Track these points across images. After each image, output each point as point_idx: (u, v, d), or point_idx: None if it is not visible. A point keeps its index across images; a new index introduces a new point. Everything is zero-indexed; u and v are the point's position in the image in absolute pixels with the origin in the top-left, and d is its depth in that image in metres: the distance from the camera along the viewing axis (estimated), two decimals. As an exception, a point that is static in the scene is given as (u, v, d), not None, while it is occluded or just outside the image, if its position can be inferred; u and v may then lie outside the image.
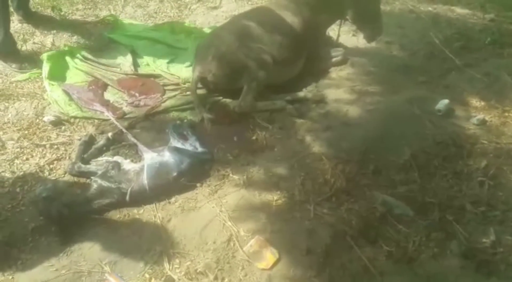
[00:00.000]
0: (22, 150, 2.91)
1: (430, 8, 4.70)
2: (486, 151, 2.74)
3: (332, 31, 3.92)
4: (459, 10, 4.65)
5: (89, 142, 2.89)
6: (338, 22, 3.77)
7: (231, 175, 2.68)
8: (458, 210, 2.33)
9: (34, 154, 2.89)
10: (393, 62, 3.78)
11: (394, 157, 2.69)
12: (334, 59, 3.72)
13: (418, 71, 3.63)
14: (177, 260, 2.21)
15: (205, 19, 4.55)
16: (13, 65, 3.72)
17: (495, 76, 3.49)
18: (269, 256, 2.15)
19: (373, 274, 2.03)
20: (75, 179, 2.72)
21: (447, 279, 1.99)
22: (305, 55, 3.56)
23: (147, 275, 2.15)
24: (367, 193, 2.45)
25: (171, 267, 2.18)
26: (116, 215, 2.48)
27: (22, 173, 2.74)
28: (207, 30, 4.18)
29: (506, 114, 3.10)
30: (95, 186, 2.52)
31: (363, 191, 2.48)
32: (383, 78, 3.55)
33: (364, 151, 2.74)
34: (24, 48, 3.96)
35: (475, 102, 3.24)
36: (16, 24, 4.17)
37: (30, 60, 3.79)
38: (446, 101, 3.11)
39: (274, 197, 2.50)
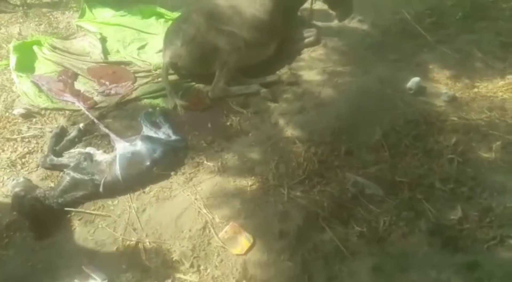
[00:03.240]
0: (-8, 145, 2.86)
1: (402, -16, 4.65)
2: (456, 127, 2.77)
3: (305, 12, 3.87)
4: (432, -15, 4.61)
5: (61, 133, 2.86)
6: (309, 2, 3.73)
7: (205, 162, 2.68)
8: (428, 188, 2.38)
9: (5, 148, 2.86)
10: (365, 40, 3.76)
11: (366, 137, 2.72)
12: (306, 40, 3.69)
13: (390, 49, 3.62)
14: (153, 250, 2.23)
15: (175, 2, 4.44)
16: None
17: (466, 52, 3.50)
18: (244, 241, 2.18)
19: (344, 255, 2.08)
20: (48, 172, 2.70)
21: (415, 257, 2.04)
22: (278, 37, 3.53)
23: (123, 266, 2.17)
24: (339, 174, 2.48)
25: (147, 257, 2.20)
26: (90, 207, 2.48)
27: (-7, 168, 2.71)
28: (177, 13, 4.06)
29: (476, 90, 3.12)
30: (68, 178, 2.50)
31: (335, 172, 2.50)
32: (355, 57, 3.54)
33: (336, 132, 2.76)
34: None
35: (446, 79, 3.26)
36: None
37: None
38: (417, 79, 3.13)
39: (248, 182, 2.51)
